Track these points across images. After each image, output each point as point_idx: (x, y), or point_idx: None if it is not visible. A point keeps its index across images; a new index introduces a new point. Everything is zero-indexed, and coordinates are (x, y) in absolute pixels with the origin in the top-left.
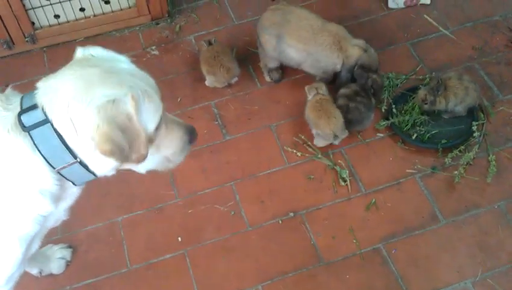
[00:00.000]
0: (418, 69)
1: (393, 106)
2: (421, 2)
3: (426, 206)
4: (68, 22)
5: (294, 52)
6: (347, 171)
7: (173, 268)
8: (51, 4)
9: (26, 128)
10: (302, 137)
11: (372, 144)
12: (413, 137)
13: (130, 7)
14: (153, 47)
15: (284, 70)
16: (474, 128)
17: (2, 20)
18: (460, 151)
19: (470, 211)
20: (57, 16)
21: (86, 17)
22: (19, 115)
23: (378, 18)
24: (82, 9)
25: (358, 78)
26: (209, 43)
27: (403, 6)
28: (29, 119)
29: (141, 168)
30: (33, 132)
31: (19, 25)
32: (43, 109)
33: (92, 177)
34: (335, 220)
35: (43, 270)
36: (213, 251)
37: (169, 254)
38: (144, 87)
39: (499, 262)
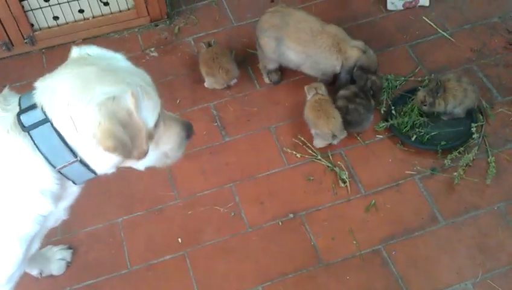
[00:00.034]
0: (416, 70)
1: (393, 107)
2: (419, 4)
3: (426, 208)
4: (67, 23)
5: (294, 55)
6: (346, 173)
7: (173, 269)
8: (49, 6)
9: (26, 128)
10: (302, 138)
11: (372, 145)
12: (413, 138)
13: (129, 9)
14: (152, 49)
15: (283, 71)
16: (474, 129)
17: (1, 22)
18: (459, 152)
19: (469, 213)
20: (55, 18)
21: (84, 19)
22: (18, 115)
23: (377, 20)
24: (81, 11)
25: (357, 79)
26: (208, 45)
27: (401, 8)
28: (28, 119)
29: (140, 165)
30: (33, 132)
31: (18, 26)
32: (42, 109)
33: (92, 175)
34: (335, 222)
35: (43, 271)
36: (213, 252)
37: (169, 255)
38: (142, 84)
39: (499, 263)
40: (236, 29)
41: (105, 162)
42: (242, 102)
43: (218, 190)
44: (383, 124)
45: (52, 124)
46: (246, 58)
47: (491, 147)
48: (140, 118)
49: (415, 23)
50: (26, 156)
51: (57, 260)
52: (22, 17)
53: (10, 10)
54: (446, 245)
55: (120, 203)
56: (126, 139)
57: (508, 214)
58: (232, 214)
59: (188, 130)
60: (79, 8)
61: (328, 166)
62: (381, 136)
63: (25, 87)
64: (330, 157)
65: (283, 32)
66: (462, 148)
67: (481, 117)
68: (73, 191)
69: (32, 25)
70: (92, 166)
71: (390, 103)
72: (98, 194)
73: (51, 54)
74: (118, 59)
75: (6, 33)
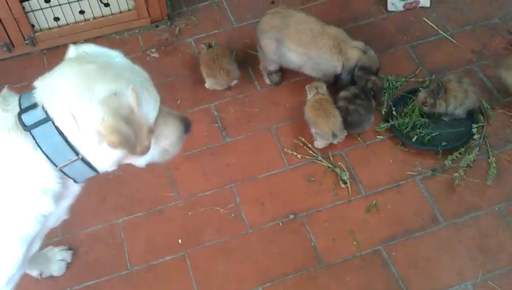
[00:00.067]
0: (417, 71)
1: (393, 108)
2: (420, 5)
3: (426, 208)
4: (68, 24)
5: (295, 56)
6: (347, 174)
7: (173, 270)
8: (50, 7)
9: (27, 128)
10: (302, 139)
11: (372, 146)
12: (413, 139)
13: (129, 10)
14: (153, 50)
15: (284, 72)
16: (474, 130)
17: (1, 23)
18: (460, 153)
19: (470, 213)
20: (56, 19)
21: (85, 20)
22: (19, 114)
23: (377, 21)
24: (82, 12)
25: (358, 80)
26: (209, 46)
27: (402, 9)
28: (29, 118)
29: (141, 161)
30: (34, 131)
31: (19, 27)
32: (43, 108)
33: (93, 174)
34: (335, 222)
35: (43, 272)
36: (213, 253)
37: (170, 256)
38: (141, 80)
39: (500, 264)
40: (236, 30)
41: (107, 159)
42: (243, 103)
43: (219, 190)
44: (384, 125)
45: (53, 123)
46: (246, 59)
47: (491, 148)
48: (142, 113)
49: (416, 24)
50: (28, 155)
51: (57, 260)
52: (23, 18)
53: (11, 11)
54: (447, 246)
55: (120, 204)
56: (130, 134)
57: (508, 215)
58: (233, 214)
59: (186, 125)
60: (80, 9)
61: (328, 167)
62: (381, 137)
63: (25, 88)
64: (331, 158)
65: (283, 33)
66: (462, 149)
67: (482, 118)
68: (74, 190)
69: (33, 26)
70: (94, 164)
71: (391, 103)
72: (98, 195)
73: (52, 55)
74: (116, 56)
75: (7, 34)
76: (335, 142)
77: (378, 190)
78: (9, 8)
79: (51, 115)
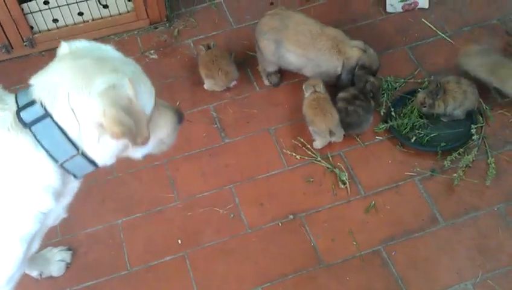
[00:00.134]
0: (416, 72)
1: (392, 109)
2: (419, 6)
3: (425, 209)
4: (67, 26)
5: (294, 57)
6: (346, 174)
7: (173, 270)
8: (49, 9)
9: (27, 125)
10: (301, 140)
11: (371, 147)
12: (412, 140)
13: (128, 11)
14: (152, 51)
15: (283, 73)
16: (473, 131)
17: (0, 25)
18: (459, 154)
19: (469, 214)
20: (55, 20)
21: (84, 22)
22: (18, 112)
23: (376, 22)
24: (80, 14)
25: (356, 81)
26: (208, 47)
27: (400, 10)
28: (28, 115)
29: (138, 153)
30: (34, 128)
31: (18, 29)
32: (41, 104)
33: (92, 168)
34: (334, 223)
35: (43, 273)
36: (213, 254)
37: (169, 257)
38: (136, 72)
39: (499, 264)
40: (235, 32)
41: (107, 152)
42: (241, 104)
43: (218, 191)
44: (383, 126)
45: (52, 119)
46: (245, 61)
47: (490, 149)
48: (140, 104)
49: (415, 25)
50: (28, 152)
51: (57, 261)
52: (22, 20)
53: (10, 13)
54: (446, 246)
55: (119, 204)
56: (131, 124)
57: (507, 215)
58: (232, 215)
59: (179, 116)
60: (78, 11)
61: (327, 167)
62: (380, 138)
63: None
64: (330, 158)
65: (282, 34)
66: (461, 150)
67: (481, 119)
68: (73, 186)
69: (31, 28)
70: (94, 157)
71: (389, 104)
72: (97, 196)
73: (51, 56)
74: (108, 50)
75: (6, 36)
76: (333, 140)
77: (377, 191)
78: (8, 9)
79: (50, 110)
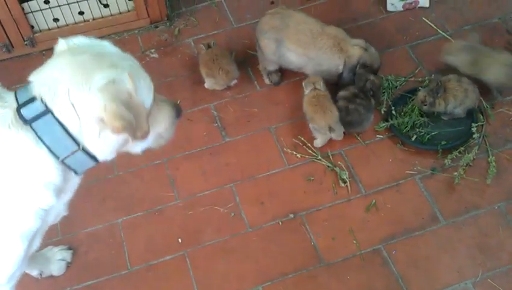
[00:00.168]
0: (417, 71)
1: (393, 107)
2: (419, 5)
3: (426, 207)
4: (67, 25)
5: (295, 57)
6: (347, 173)
7: (173, 269)
8: (50, 8)
9: (27, 122)
10: (302, 139)
11: (372, 145)
12: (413, 138)
13: (129, 11)
14: (152, 50)
15: (283, 72)
16: (474, 129)
17: (1, 24)
18: (460, 152)
19: (469, 212)
20: (56, 20)
21: (85, 21)
22: (18, 109)
23: (377, 21)
24: (81, 13)
25: (356, 80)
26: (208, 46)
27: (401, 9)
28: (29, 112)
29: (138, 147)
30: (35, 124)
31: (18, 28)
32: (42, 100)
33: (93, 163)
34: (335, 221)
35: (43, 272)
36: (213, 252)
37: (170, 256)
38: (135, 67)
39: (500, 263)
40: (236, 31)
41: (107, 147)
42: (242, 103)
43: (219, 190)
44: (383, 124)
45: (53, 115)
46: (246, 59)
47: (491, 147)
48: (139, 99)
49: (415, 24)
50: (30, 149)
51: (57, 260)
52: (22, 19)
53: (10, 12)
54: (446, 245)
55: (120, 203)
56: (132, 119)
57: (508, 214)
58: (232, 214)
59: (177, 110)
60: (79, 10)
61: (328, 166)
62: (381, 136)
63: None
64: (330, 157)
65: (283, 34)
66: (462, 148)
67: (481, 117)
68: (73, 183)
69: (32, 27)
70: (94, 153)
71: (390, 103)
72: (98, 195)
73: (51, 55)
74: (106, 45)
75: (7, 35)
76: (333, 137)
77: (378, 189)
78: (8, 9)
79: (50, 107)
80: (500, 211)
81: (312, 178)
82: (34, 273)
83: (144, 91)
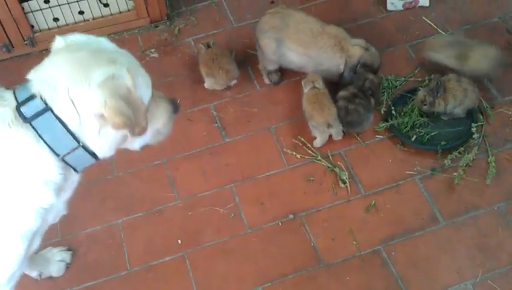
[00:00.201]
0: (416, 71)
1: (393, 107)
2: (419, 5)
3: (426, 208)
4: (67, 25)
5: (295, 56)
6: (346, 173)
7: (173, 270)
8: (49, 7)
9: (27, 120)
10: (302, 139)
11: (372, 145)
12: (413, 139)
13: (129, 10)
14: (152, 50)
15: (283, 72)
16: (474, 130)
17: (1, 24)
18: (459, 152)
19: (469, 213)
20: (56, 19)
21: (85, 20)
22: (18, 107)
23: (376, 20)
24: (81, 13)
25: (355, 79)
26: (208, 46)
27: (401, 8)
28: (29, 110)
29: (136, 144)
30: (35, 122)
31: (18, 28)
32: (41, 98)
33: (92, 161)
34: (335, 222)
35: (42, 273)
36: (213, 253)
37: (169, 257)
38: (133, 63)
39: (499, 263)
40: (236, 30)
41: (106, 144)
42: (242, 103)
43: (218, 190)
44: (383, 125)
45: (53, 112)
46: (246, 59)
47: (491, 147)
48: (138, 94)
49: (415, 23)
50: (30, 147)
51: (57, 261)
52: (22, 19)
53: (10, 12)
54: (446, 245)
55: (119, 204)
56: (131, 114)
57: (508, 214)
58: (232, 215)
59: (175, 106)
60: (79, 10)
61: (328, 166)
62: (381, 137)
63: None
64: (330, 157)
65: (283, 33)
66: (462, 148)
67: (481, 117)
68: (73, 181)
69: (32, 27)
70: (94, 149)
71: (390, 103)
72: (97, 196)
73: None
74: (103, 42)
75: (7, 35)
76: (333, 135)
77: (378, 190)
78: (8, 8)
79: (50, 104)
80: (499, 211)
81: (312, 179)
82: (34, 274)
83: (143, 87)
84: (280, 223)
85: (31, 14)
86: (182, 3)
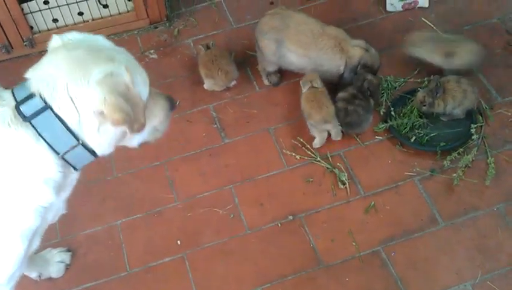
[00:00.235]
0: (416, 72)
1: (392, 108)
2: (419, 5)
3: (425, 209)
4: (66, 26)
5: (295, 57)
6: (346, 174)
7: (172, 271)
8: (49, 8)
9: (27, 118)
10: (301, 140)
11: (371, 146)
12: (412, 140)
13: (128, 11)
14: (152, 51)
15: (282, 73)
16: (473, 131)
17: (0, 25)
18: (459, 153)
19: (468, 214)
20: (55, 20)
21: (84, 21)
22: (17, 106)
23: (376, 21)
24: (80, 14)
25: (354, 81)
26: (207, 47)
27: (400, 9)
28: (28, 108)
29: (134, 141)
30: (35, 121)
31: (18, 29)
32: (41, 96)
33: (92, 158)
34: (334, 223)
35: (42, 274)
36: (212, 254)
37: (169, 258)
38: (130, 60)
39: (499, 264)
40: (235, 31)
41: (106, 141)
42: (241, 104)
43: (218, 191)
44: (382, 126)
45: (52, 110)
46: (245, 60)
47: (490, 148)
48: (136, 91)
49: (414, 24)
50: (30, 146)
51: (56, 262)
52: (22, 20)
53: (9, 13)
54: (445, 246)
55: (119, 205)
56: (130, 111)
57: (507, 215)
58: (232, 216)
59: (171, 103)
60: (78, 11)
61: (327, 168)
62: (380, 138)
63: None
64: (329, 158)
65: (283, 34)
66: (461, 150)
67: (480, 118)
68: (72, 179)
69: (31, 28)
70: (93, 147)
71: (389, 104)
72: (97, 196)
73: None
74: (100, 40)
75: (6, 36)
76: (331, 132)
77: (377, 191)
78: (8, 9)
79: (50, 102)
80: (499, 212)
81: (311, 180)
82: (33, 275)
83: (141, 84)
84: (279, 224)
85: (30, 15)
86: (181, 4)
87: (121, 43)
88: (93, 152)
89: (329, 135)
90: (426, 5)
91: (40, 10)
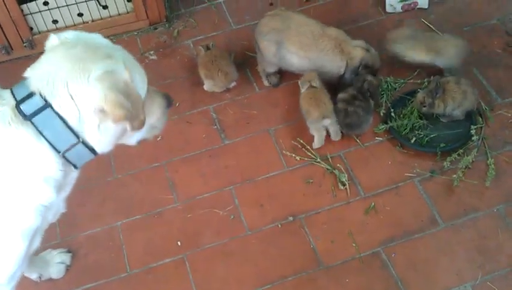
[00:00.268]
0: (416, 73)
1: (392, 110)
2: (418, 6)
3: (425, 210)
4: (66, 27)
5: (295, 58)
6: (346, 175)
7: (173, 272)
8: (49, 9)
9: (27, 117)
10: (301, 141)
11: (371, 148)
12: (412, 141)
13: (128, 12)
14: (151, 52)
15: (282, 74)
16: (473, 132)
17: (0, 26)
18: (459, 155)
19: (468, 215)
20: (55, 21)
21: (84, 22)
22: (17, 105)
23: (375, 22)
24: (80, 15)
25: (354, 82)
26: (207, 48)
27: (400, 10)
28: (29, 107)
29: (133, 139)
30: (35, 119)
31: (17, 30)
32: (40, 95)
33: (91, 156)
34: (334, 224)
35: (42, 275)
36: (212, 255)
37: (169, 258)
38: (128, 58)
39: (499, 265)
40: (235, 32)
41: (106, 138)
42: (241, 105)
43: (218, 192)
44: (383, 127)
45: (53, 109)
46: (245, 61)
47: (490, 149)
48: (135, 87)
49: (414, 25)
50: (30, 145)
51: (56, 263)
52: (21, 21)
53: (9, 14)
54: (445, 247)
55: (119, 206)
56: (130, 107)
57: (507, 216)
58: (232, 217)
59: (168, 100)
60: (78, 12)
61: (327, 169)
62: (380, 139)
63: None
64: (330, 159)
65: (283, 35)
66: (461, 151)
67: (480, 119)
68: (72, 177)
69: (31, 29)
70: (93, 144)
71: (389, 105)
72: (97, 198)
73: None
74: (97, 38)
75: (6, 37)
76: (328, 124)
77: (377, 192)
78: (7, 11)
79: (50, 100)
80: (499, 213)
81: (311, 181)
82: (33, 276)
83: (138, 81)
84: (279, 225)
85: (30, 16)
86: (181, 5)
87: (120, 44)
88: (93, 150)
89: (328, 135)
90: (426, 6)
91: (39, 11)
